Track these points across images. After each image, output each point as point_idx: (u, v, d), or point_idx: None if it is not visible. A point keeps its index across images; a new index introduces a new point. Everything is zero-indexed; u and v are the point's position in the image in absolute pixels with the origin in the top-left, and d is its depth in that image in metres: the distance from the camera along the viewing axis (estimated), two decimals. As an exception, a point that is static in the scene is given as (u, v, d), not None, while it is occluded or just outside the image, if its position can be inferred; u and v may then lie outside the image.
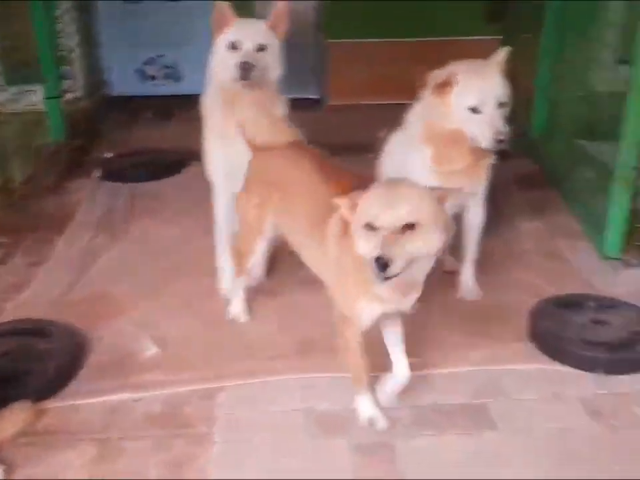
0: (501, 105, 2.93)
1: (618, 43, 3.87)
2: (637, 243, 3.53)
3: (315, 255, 2.66)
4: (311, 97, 6.43)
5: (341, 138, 5.23)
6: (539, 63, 4.98)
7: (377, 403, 2.60)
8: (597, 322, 2.98)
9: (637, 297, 3.22)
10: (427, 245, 2.13)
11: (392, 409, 2.63)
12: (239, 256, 3.09)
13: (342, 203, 2.22)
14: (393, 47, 6.18)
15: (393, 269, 2.05)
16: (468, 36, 6.05)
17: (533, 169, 4.82)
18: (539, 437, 2.51)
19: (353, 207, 2.18)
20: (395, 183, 2.26)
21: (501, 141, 2.90)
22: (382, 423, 2.56)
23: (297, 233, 2.77)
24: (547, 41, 4.86)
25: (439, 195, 2.17)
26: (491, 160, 3.19)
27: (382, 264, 2.03)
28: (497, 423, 2.57)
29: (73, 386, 2.76)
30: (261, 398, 2.73)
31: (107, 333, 3.09)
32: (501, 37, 6.00)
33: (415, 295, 2.36)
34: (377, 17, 6.10)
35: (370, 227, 2.11)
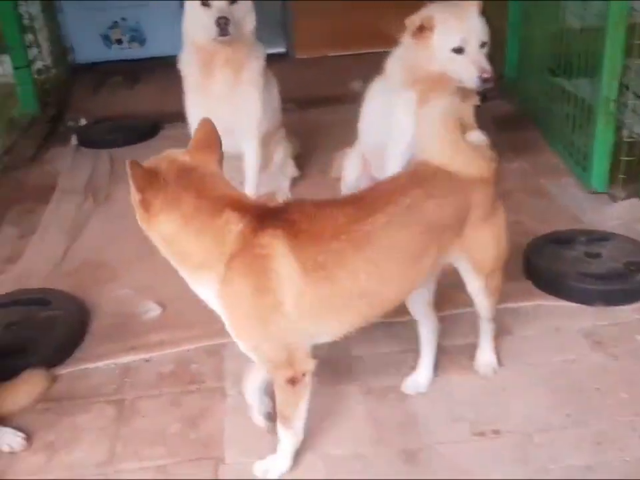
0: (483, 44, 2.92)
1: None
2: (621, 176, 3.57)
3: None
4: (277, 51, 6.35)
5: (310, 91, 5.21)
6: (508, 1, 4.96)
7: None
8: (591, 255, 3.03)
9: (626, 228, 3.28)
10: None
11: (395, 351, 2.69)
12: None
13: None
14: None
15: None
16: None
17: (510, 110, 4.84)
18: (544, 370, 2.57)
19: None
20: None
21: (486, 80, 2.89)
22: None
23: None
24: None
25: None
26: (475, 101, 3.20)
27: None
28: (502, 360, 2.61)
29: (80, 351, 2.77)
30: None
31: (105, 299, 3.09)
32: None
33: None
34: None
35: None
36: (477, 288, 2.43)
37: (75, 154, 4.58)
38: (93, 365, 2.69)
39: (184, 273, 2.02)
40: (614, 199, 3.60)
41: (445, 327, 2.77)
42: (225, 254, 1.90)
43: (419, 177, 2.17)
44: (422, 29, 2.92)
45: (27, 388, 2.46)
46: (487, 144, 2.31)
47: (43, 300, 2.95)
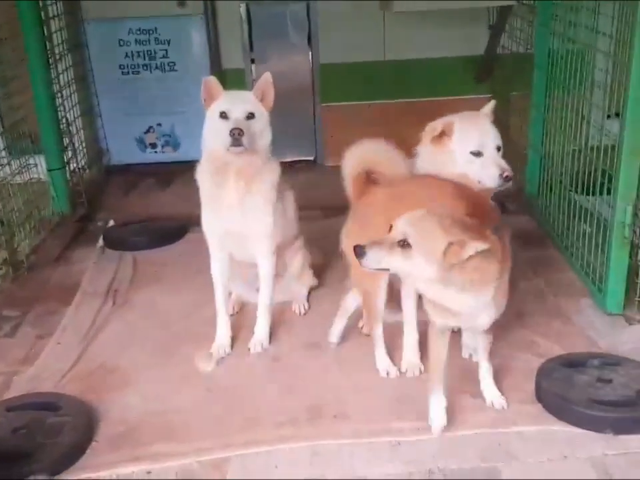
0: (499, 147, 3.14)
1: (605, 98, 3.97)
2: (638, 299, 3.56)
3: None
4: (306, 158, 6.55)
5: (336, 199, 5.26)
6: (530, 120, 5.10)
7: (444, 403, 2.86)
8: (603, 380, 2.99)
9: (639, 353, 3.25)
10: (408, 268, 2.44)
11: (402, 474, 2.65)
12: None
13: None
14: (386, 108, 6.33)
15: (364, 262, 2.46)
16: (457, 95, 6.23)
17: (530, 226, 4.88)
18: (551, 499, 2.51)
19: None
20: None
21: (507, 178, 3.06)
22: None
23: None
24: (536, 99, 4.98)
25: (457, 240, 2.37)
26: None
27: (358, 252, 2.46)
28: (508, 485, 2.57)
29: (85, 459, 2.75)
30: (271, 467, 2.73)
31: (114, 405, 3.10)
32: (490, 96, 6.20)
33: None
34: (369, 80, 6.31)
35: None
36: None
37: (100, 255, 4.68)
38: (94, 475, 2.67)
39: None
40: (629, 321, 3.57)
41: (453, 449, 2.77)
42: None
43: None
44: (442, 134, 3.11)
45: (28, 496, 2.47)
46: None
47: (52, 405, 2.96)
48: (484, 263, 2.45)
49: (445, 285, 2.45)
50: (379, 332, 3.28)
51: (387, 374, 3.25)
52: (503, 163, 3.09)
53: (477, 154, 3.10)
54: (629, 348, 3.31)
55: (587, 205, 4.11)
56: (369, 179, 3.13)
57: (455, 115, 3.21)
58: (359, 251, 2.44)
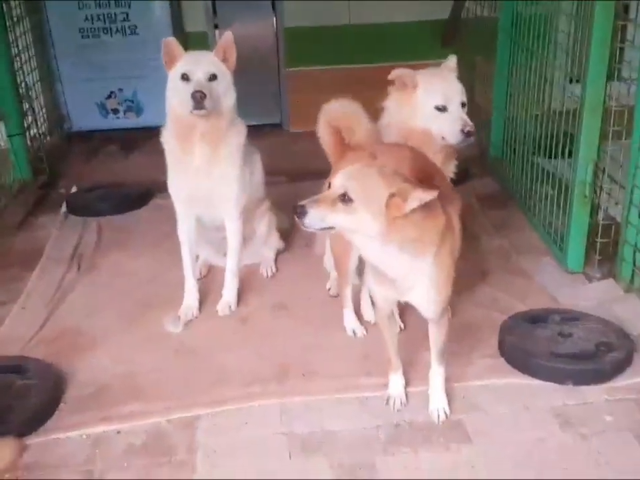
0: (463, 104, 3.13)
1: (567, 62, 4.01)
2: (597, 257, 3.64)
3: None
4: (271, 122, 6.52)
5: (301, 164, 5.27)
6: (494, 84, 5.13)
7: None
8: (563, 335, 3.07)
9: (599, 309, 3.32)
10: (353, 224, 2.26)
11: (369, 427, 2.70)
12: None
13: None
14: (351, 73, 6.30)
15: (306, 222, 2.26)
16: (423, 60, 6.22)
17: (493, 188, 4.97)
18: (513, 449, 2.58)
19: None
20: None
21: (469, 134, 3.06)
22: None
23: None
24: (500, 62, 5.02)
25: (398, 190, 2.21)
26: (454, 162, 3.31)
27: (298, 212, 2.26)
28: (472, 437, 2.63)
29: (53, 421, 2.76)
30: (240, 424, 2.76)
31: (82, 368, 3.10)
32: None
33: None
34: (334, 44, 6.27)
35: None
36: None
37: (63, 221, 4.63)
38: (63, 435, 2.68)
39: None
40: (589, 279, 3.65)
41: (419, 402, 2.82)
42: None
43: None
44: (407, 86, 3.12)
45: (-3, 456, 2.46)
46: None
47: (19, 368, 2.95)
48: (425, 221, 2.31)
49: (385, 242, 2.28)
50: (347, 292, 3.31)
51: (354, 333, 3.29)
52: (466, 118, 3.09)
53: (442, 109, 3.10)
54: (589, 304, 3.39)
55: (550, 167, 4.17)
56: (344, 141, 3.08)
57: (421, 70, 3.21)
58: (300, 210, 2.23)
